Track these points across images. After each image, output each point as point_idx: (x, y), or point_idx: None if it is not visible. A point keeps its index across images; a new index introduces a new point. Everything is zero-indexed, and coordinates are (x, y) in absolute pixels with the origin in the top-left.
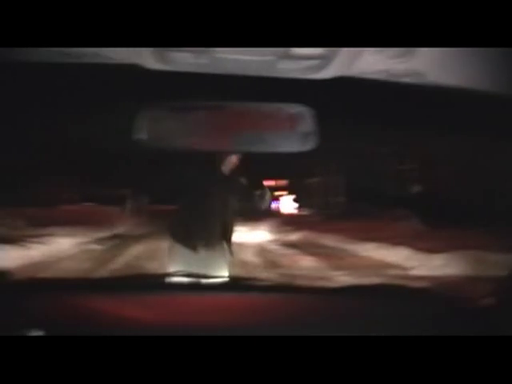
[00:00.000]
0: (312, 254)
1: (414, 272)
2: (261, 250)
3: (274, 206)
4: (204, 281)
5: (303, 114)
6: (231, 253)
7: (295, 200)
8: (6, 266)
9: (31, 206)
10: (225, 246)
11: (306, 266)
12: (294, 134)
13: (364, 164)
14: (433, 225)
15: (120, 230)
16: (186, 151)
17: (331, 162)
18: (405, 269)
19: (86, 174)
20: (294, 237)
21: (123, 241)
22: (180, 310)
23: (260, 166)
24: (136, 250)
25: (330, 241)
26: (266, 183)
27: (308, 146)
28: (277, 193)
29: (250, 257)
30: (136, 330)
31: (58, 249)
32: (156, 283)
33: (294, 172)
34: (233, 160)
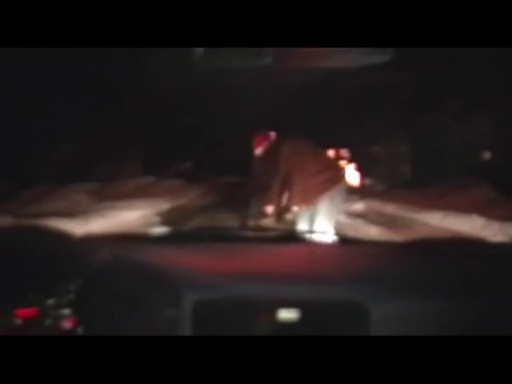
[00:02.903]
0: (378, 223)
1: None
2: None
3: None
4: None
5: None
6: None
7: (359, 169)
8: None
9: (92, 180)
10: None
11: (373, 236)
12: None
13: (430, 130)
14: (505, 192)
15: (182, 201)
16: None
17: (396, 130)
18: (481, 237)
19: (149, 148)
20: (359, 206)
21: (186, 212)
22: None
23: (321, 136)
24: (199, 221)
25: (396, 210)
26: (330, 153)
27: (386, 56)
28: (341, 162)
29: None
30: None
31: (120, 222)
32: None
33: (358, 140)
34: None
